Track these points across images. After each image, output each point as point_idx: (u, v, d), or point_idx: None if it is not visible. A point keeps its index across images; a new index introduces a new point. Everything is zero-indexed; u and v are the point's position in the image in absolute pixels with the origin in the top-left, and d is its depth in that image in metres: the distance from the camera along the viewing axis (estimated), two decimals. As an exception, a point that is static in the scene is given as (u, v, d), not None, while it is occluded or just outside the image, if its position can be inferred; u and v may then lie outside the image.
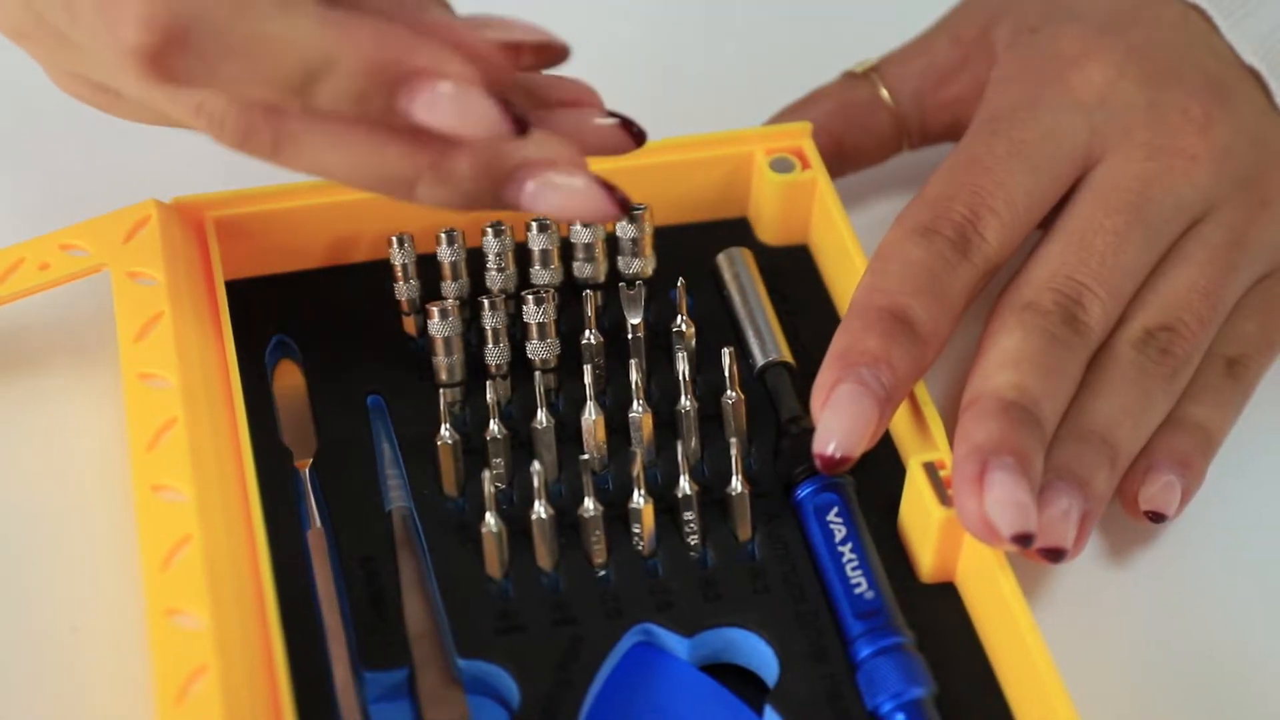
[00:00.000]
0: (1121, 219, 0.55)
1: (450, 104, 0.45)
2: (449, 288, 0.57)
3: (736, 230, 0.60)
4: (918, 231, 0.54)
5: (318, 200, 0.57)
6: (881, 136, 0.62)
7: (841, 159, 0.61)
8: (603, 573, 0.52)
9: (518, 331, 0.56)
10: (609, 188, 0.48)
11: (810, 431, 0.53)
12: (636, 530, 0.52)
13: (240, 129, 0.47)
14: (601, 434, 0.54)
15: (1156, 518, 0.54)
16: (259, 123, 0.47)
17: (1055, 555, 0.51)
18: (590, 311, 0.56)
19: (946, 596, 0.52)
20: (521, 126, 0.46)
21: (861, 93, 0.61)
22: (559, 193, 0.48)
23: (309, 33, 0.45)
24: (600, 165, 0.58)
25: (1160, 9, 0.59)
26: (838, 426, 0.51)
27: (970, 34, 0.61)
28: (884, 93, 0.61)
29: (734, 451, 0.52)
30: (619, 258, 0.58)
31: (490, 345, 0.55)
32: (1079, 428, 0.53)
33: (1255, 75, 0.58)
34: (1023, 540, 0.49)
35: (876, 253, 0.54)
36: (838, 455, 0.51)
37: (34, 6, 0.48)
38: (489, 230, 0.56)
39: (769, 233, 0.60)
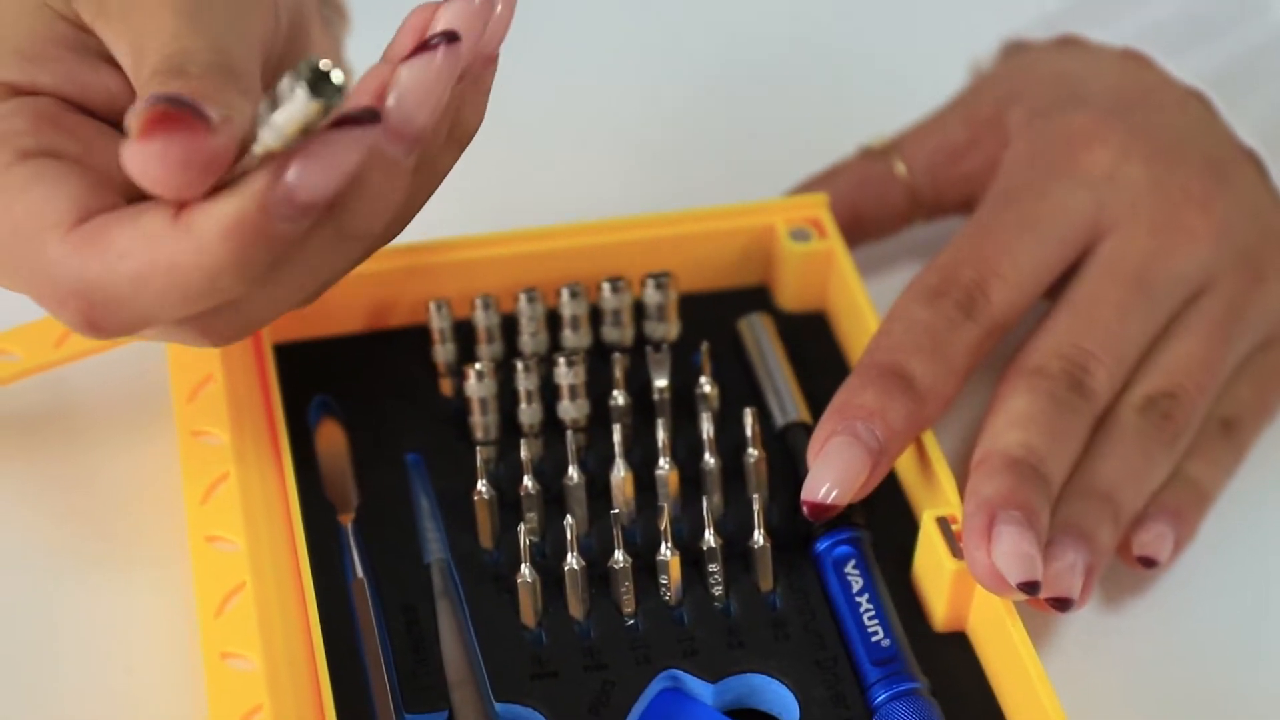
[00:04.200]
0: (1126, 291, 0.57)
1: (318, 167, 0.44)
2: (484, 351, 0.58)
3: (757, 297, 0.62)
4: (925, 294, 0.56)
5: (359, 269, 0.59)
6: (896, 209, 0.63)
7: (858, 230, 0.63)
8: (632, 621, 0.53)
9: (550, 393, 0.57)
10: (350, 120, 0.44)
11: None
12: (664, 581, 0.53)
13: (209, 337, 0.48)
14: (630, 490, 0.55)
15: (1148, 564, 0.55)
16: (214, 324, 0.48)
17: (1063, 605, 0.53)
18: (618, 374, 0.57)
19: (959, 645, 0.53)
20: (369, 116, 0.44)
21: (878, 167, 0.63)
22: (323, 168, 0.44)
23: (169, 237, 0.45)
24: (625, 236, 0.61)
25: (1162, 94, 0.61)
26: (827, 475, 0.53)
27: (983, 114, 0.63)
28: (900, 168, 0.63)
29: (756, 506, 0.54)
30: (645, 323, 0.60)
31: (524, 405, 0.57)
32: (1085, 486, 0.54)
33: (1253, 156, 0.61)
34: (1029, 588, 0.51)
35: (886, 315, 0.56)
36: (826, 502, 0.53)
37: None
38: (522, 296, 0.58)
39: (788, 299, 0.61)
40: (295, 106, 0.43)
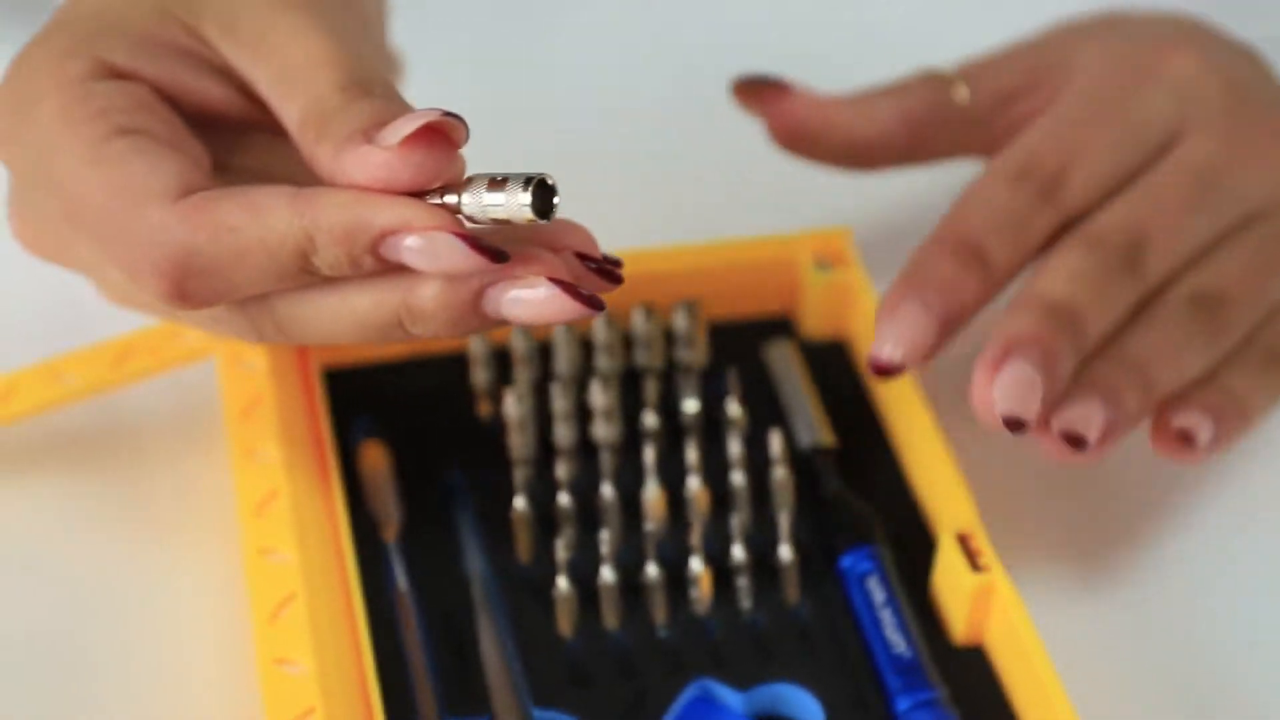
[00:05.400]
0: (1195, 188, 0.57)
1: (422, 252, 0.46)
2: (521, 374, 0.60)
3: (782, 324, 0.63)
4: (1008, 176, 0.57)
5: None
6: (955, 135, 0.63)
7: (916, 149, 0.62)
8: (664, 632, 0.55)
9: (584, 414, 0.59)
10: (575, 291, 0.46)
11: (850, 506, 0.56)
12: (694, 594, 0.55)
13: (251, 330, 0.49)
14: (661, 507, 0.56)
15: (1187, 441, 0.55)
16: (260, 318, 0.49)
17: (1075, 442, 0.53)
18: (650, 396, 0.59)
19: (977, 658, 0.54)
20: (496, 255, 0.46)
21: (943, 88, 0.62)
22: (522, 304, 0.46)
23: (284, 219, 0.46)
24: (654, 265, 0.62)
25: (1225, 39, 0.63)
26: (894, 335, 0.54)
27: (1049, 59, 0.62)
28: (964, 94, 0.62)
29: (783, 523, 0.56)
30: (675, 348, 0.61)
31: (559, 426, 0.59)
32: (1118, 353, 0.55)
33: None
34: (1014, 426, 0.51)
35: (966, 190, 0.57)
36: (893, 361, 0.54)
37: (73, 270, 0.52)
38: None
39: (812, 327, 0.63)
40: (512, 205, 0.45)
